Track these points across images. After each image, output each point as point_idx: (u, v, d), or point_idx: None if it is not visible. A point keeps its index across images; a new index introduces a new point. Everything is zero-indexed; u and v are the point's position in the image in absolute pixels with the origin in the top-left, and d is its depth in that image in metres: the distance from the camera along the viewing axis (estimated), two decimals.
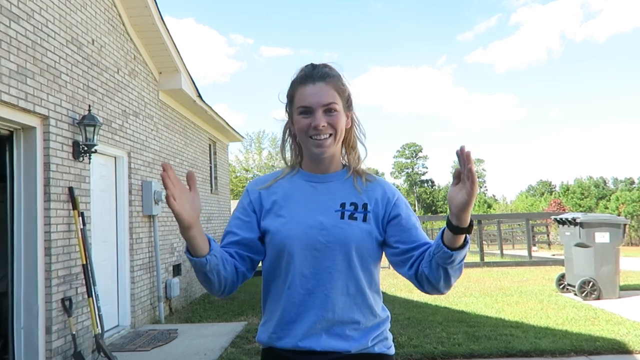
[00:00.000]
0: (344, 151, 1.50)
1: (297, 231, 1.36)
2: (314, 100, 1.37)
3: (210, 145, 10.91)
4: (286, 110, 1.49)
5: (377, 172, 1.60)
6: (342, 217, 1.38)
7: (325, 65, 1.43)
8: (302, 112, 1.39)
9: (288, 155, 1.52)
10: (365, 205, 1.40)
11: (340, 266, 1.35)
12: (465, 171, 1.15)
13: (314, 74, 1.40)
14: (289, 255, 1.36)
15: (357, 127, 1.50)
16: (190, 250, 1.28)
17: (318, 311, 1.34)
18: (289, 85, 1.45)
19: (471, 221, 1.22)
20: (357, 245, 1.35)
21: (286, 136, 1.52)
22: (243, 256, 1.41)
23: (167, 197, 1.18)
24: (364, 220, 1.38)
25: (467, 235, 1.24)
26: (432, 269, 1.29)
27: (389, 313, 1.47)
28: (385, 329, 1.44)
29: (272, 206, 1.43)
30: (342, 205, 1.40)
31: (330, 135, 1.38)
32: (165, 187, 1.18)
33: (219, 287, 1.35)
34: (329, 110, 1.38)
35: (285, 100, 1.48)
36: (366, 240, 1.37)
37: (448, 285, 1.32)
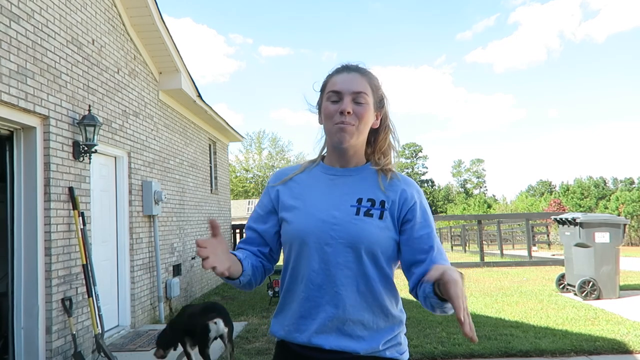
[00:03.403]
0: (371, 152, 1.47)
1: (309, 225, 1.35)
2: (345, 86, 1.37)
3: (210, 145, 10.92)
4: (317, 105, 1.48)
5: None
6: (357, 213, 1.34)
7: (363, 66, 1.45)
8: (331, 97, 1.38)
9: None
10: (382, 203, 1.36)
11: (351, 263, 1.32)
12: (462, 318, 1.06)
13: (350, 66, 1.43)
14: (299, 248, 1.36)
15: (393, 134, 1.49)
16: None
17: (329, 308, 1.32)
18: (324, 78, 1.46)
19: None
20: (369, 242, 1.32)
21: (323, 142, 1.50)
22: (265, 253, 1.47)
23: (203, 264, 1.16)
24: (380, 217, 1.35)
25: None
26: (425, 303, 1.30)
27: (405, 316, 1.43)
28: (400, 333, 1.39)
29: (290, 200, 1.43)
30: (359, 200, 1.36)
31: (353, 125, 1.36)
32: (202, 257, 1.16)
33: (250, 289, 1.47)
34: (358, 99, 1.37)
35: (319, 91, 1.47)
36: (380, 238, 1.34)
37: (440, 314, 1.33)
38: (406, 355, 1.40)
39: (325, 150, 1.50)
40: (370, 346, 1.33)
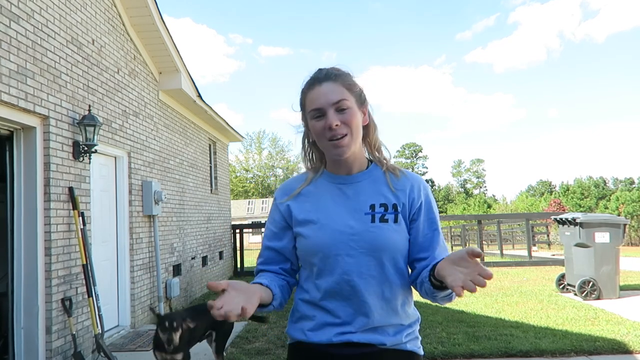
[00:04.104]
0: (367, 150, 1.47)
1: (327, 238, 1.35)
2: (323, 101, 1.34)
3: (210, 145, 10.91)
4: (302, 119, 1.47)
5: None
6: (373, 220, 1.35)
7: (332, 68, 1.42)
8: (315, 115, 1.36)
9: (309, 165, 1.51)
10: (395, 206, 1.37)
11: (374, 271, 1.34)
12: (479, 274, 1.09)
13: (320, 76, 1.38)
14: (321, 262, 1.36)
15: (375, 130, 1.47)
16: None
17: (359, 318, 1.34)
18: (300, 94, 1.43)
19: None
20: (391, 249, 1.34)
21: (305, 145, 1.50)
22: (287, 269, 1.47)
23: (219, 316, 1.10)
24: (395, 221, 1.36)
25: None
26: (421, 291, 1.36)
27: (419, 313, 1.48)
28: (417, 329, 1.45)
29: (302, 214, 1.42)
30: (372, 207, 1.37)
31: (346, 134, 1.34)
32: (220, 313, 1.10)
33: (281, 309, 1.44)
34: (340, 108, 1.34)
35: (299, 110, 1.46)
36: (399, 243, 1.36)
37: (437, 303, 1.38)
38: (422, 350, 1.45)
39: (323, 161, 1.49)
40: (396, 339, 1.37)
